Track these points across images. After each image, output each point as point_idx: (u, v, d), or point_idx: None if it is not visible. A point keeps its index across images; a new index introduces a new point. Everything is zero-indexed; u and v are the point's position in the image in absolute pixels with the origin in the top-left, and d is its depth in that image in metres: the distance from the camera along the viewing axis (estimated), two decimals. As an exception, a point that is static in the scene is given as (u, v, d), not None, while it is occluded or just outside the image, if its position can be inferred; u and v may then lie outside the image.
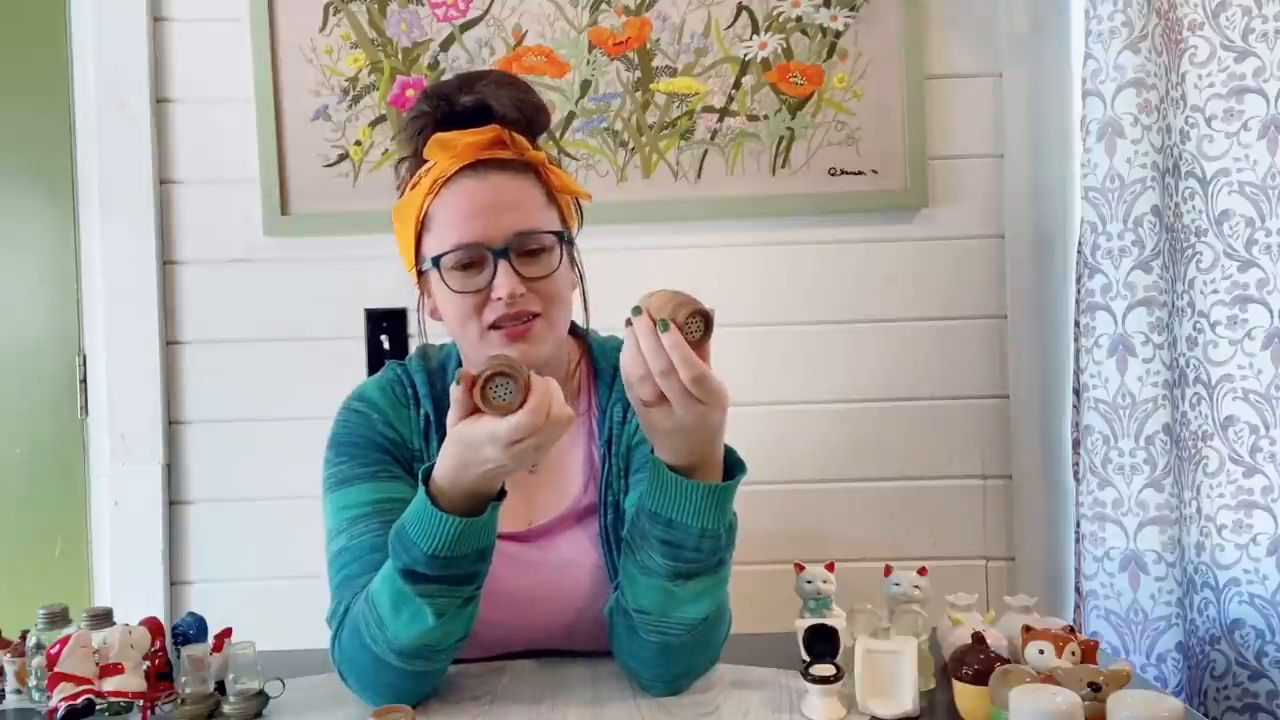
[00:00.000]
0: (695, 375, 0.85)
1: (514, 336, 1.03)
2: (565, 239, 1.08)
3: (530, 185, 1.06)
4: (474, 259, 1.03)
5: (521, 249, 1.03)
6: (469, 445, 0.86)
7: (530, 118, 1.08)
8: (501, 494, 0.92)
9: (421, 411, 1.10)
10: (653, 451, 0.92)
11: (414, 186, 1.07)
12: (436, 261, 1.04)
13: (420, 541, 0.89)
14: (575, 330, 1.18)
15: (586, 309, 1.16)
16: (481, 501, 0.90)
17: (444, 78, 1.73)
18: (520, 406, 0.84)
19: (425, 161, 1.08)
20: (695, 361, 0.85)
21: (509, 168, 1.05)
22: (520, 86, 1.09)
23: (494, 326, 1.03)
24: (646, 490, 0.92)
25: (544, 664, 1.06)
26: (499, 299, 1.01)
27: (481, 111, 1.06)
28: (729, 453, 0.95)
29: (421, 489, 0.91)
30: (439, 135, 1.05)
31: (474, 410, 0.87)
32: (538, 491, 1.11)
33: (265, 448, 1.75)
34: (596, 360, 1.16)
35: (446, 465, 0.89)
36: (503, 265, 1.01)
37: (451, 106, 1.07)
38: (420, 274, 1.09)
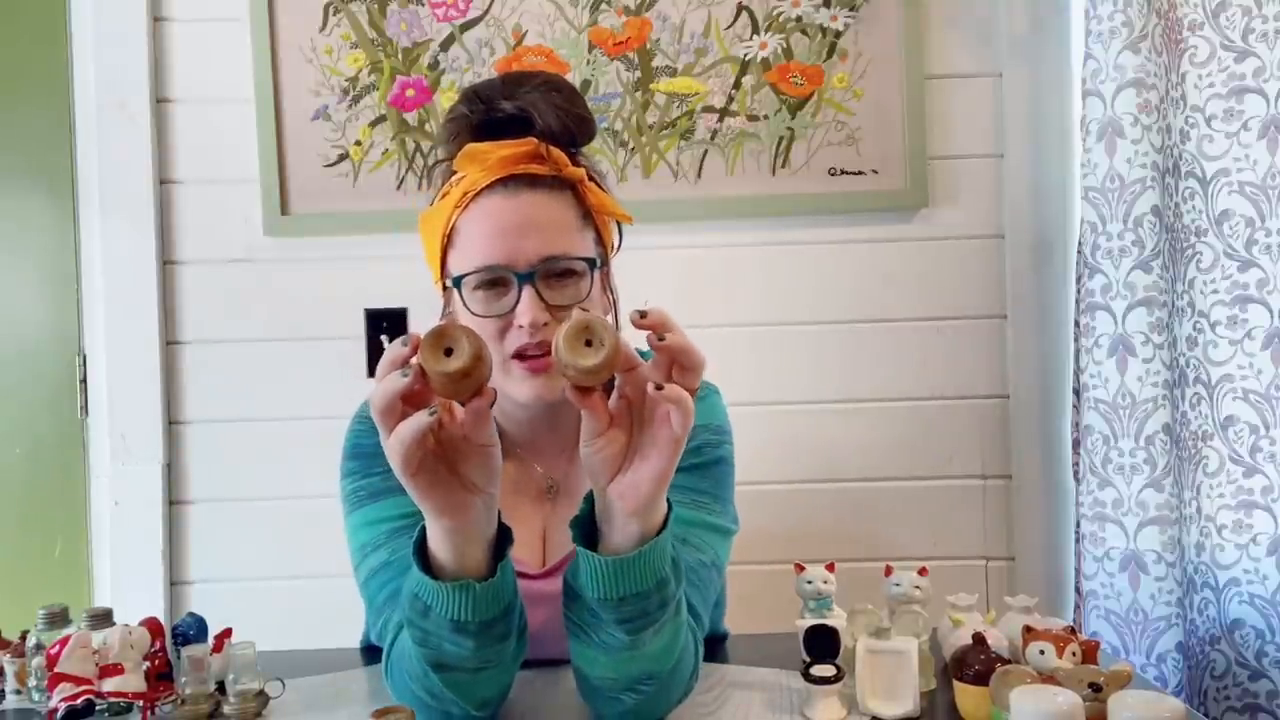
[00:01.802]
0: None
1: (535, 370, 0.97)
2: (598, 265, 1.01)
3: (564, 205, 1.00)
4: (497, 282, 0.97)
5: (549, 273, 0.97)
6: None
7: (573, 130, 1.02)
8: (503, 547, 0.84)
9: None
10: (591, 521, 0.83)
11: (444, 196, 1.02)
12: (459, 281, 0.99)
13: (441, 611, 0.81)
14: None
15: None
16: (482, 549, 0.82)
17: (444, 78, 1.73)
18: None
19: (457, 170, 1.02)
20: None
21: (543, 185, 0.99)
22: (566, 93, 1.03)
23: (516, 356, 0.97)
24: (588, 581, 0.81)
25: (543, 671, 1.05)
26: (521, 326, 0.96)
27: (521, 120, 1.01)
28: None
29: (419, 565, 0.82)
30: (470, 146, 0.99)
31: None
32: (554, 530, 1.07)
33: (265, 448, 1.75)
34: None
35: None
36: (527, 291, 0.95)
37: (490, 111, 1.01)
38: (445, 288, 1.04)
